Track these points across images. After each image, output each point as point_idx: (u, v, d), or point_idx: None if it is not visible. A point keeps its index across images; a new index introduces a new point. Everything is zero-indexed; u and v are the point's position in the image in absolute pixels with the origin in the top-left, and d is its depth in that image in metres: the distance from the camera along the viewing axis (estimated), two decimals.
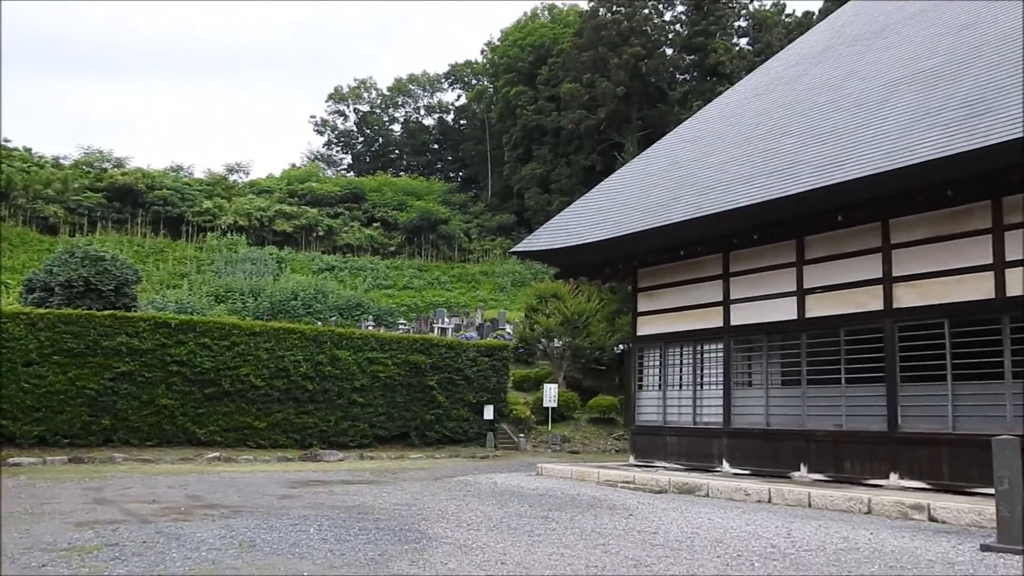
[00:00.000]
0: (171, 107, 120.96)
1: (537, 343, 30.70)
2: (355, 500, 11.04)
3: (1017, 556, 7.14)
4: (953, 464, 11.37)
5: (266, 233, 54.06)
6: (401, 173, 73.94)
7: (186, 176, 59.34)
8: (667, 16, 57.16)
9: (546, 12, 69.17)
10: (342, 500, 11.01)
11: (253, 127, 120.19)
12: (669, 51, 55.40)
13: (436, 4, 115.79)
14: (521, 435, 25.25)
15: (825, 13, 39.21)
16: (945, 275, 11.81)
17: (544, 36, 63.01)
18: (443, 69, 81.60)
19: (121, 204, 51.87)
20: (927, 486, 11.57)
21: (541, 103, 58.70)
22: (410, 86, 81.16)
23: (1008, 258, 11.11)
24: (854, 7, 19.54)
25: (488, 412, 24.48)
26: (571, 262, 17.48)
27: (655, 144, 20.55)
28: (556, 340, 29.34)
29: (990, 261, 11.29)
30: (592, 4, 55.09)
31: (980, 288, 11.37)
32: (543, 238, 17.64)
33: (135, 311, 22.35)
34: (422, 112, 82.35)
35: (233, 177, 62.97)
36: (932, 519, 9.64)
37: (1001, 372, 11.02)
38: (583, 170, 53.13)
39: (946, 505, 9.69)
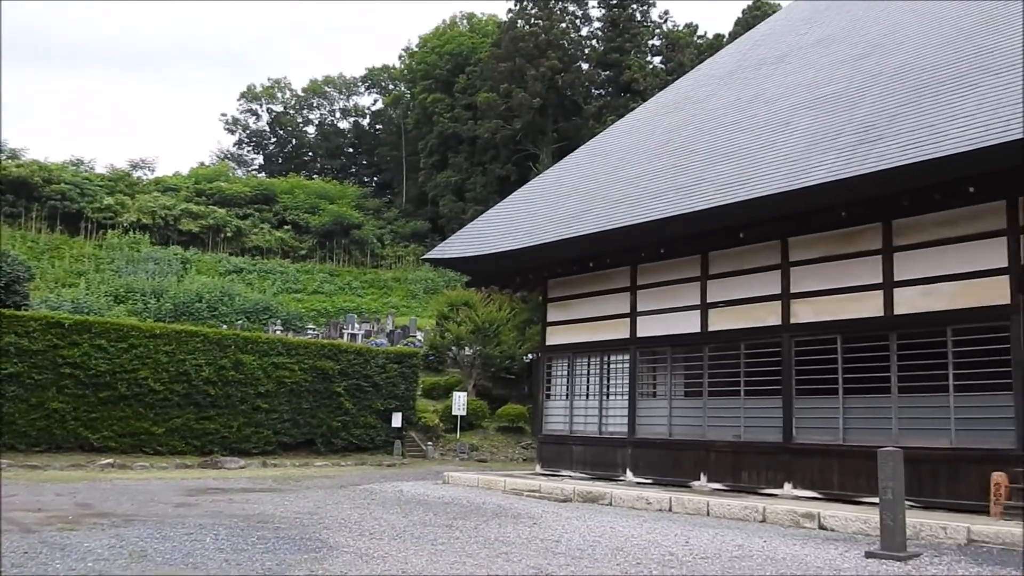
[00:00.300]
0: (73, 98, 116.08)
1: (448, 351, 30.62)
2: (255, 508, 10.78)
3: (898, 562, 7.49)
4: (842, 474, 11.86)
5: (171, 232, 52.34)
6: (314, 176, 72.72)
7: (87, 171, 56.88)
8: (584, 31, 58.05)
9: (465, 21, 69.32)
10: (241, 509, 10.74)
11: (160, 123, 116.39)
12: (585, 66, 56.22)
13: (353, 6, 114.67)
14: (429, 443, 25.13)
15: (735, 36, 40.53)
16: (839, 293, 12.33)
17: (462, 45, 63.10)
18: (360, 72, 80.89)
19: (15, 197, 49.37)
20: (818, 495, 12.03)
21: (458, 111, 58.71)
22: (326, 88, 80.00)
23: (896, 278, 11.69)
24: (760, 32, 20.27)
25: (396, 420, 24.28)
26: (483, 271, 17.55)
27: (568, 156, 20.83)
28: (467, 348, 29.33)
29: (880, 280, 11.85)
30: (510, 16, 55.50)
31: (870, 306, 11.92)
32: (456, 246, 17.65)
33: (26, 310, 21.31)
34: (337, 115, 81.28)
35: (137, 173, 60.78)
36: (822, 527, 10.02)
37: (888, 387, 11.57)
38: (498, 179, 53.35)
39: (835, 514, 10.09)
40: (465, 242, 17.49)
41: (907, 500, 9.46)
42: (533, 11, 54.72)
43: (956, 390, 10.88)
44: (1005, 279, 10.59)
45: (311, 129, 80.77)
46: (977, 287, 10.83)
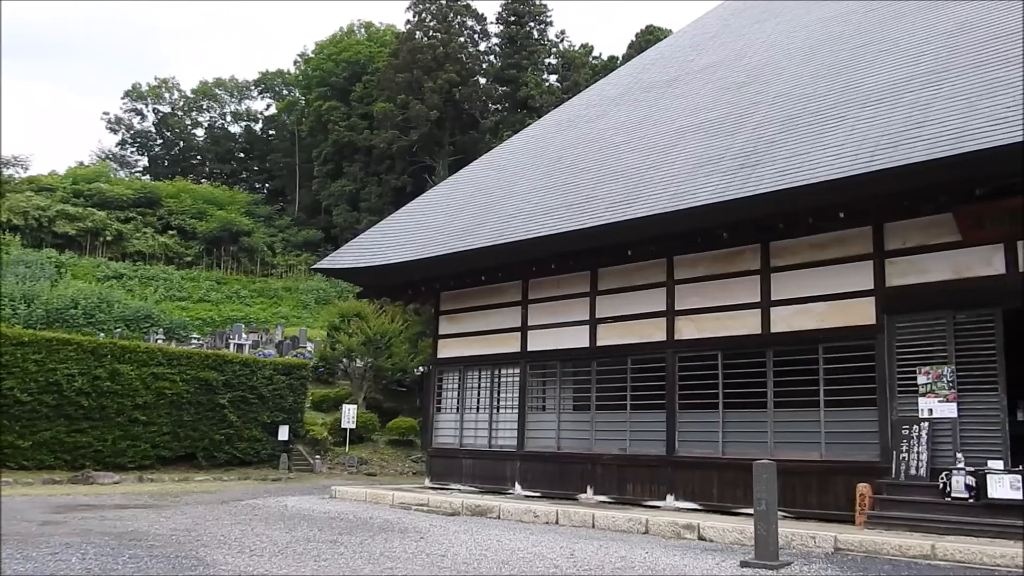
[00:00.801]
0: None
1: (338, 363, 30.13)
2: (128, 526, 10.31)
3: (770, 571, 7.80)
4: (722, 486, 12.28)
5: (45, 234, 49.60)
6: (203, 180, 70.41)
7: None
8: (482, 46, 58.47)
9: (363, 30, 68.73)
10: (113, 526, 10.24)
11: (36, 120, 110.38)
12: (483, 80, 56.60)
13: (246, 7, 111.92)
14: (317, 457, 24.63)
15: (628, 59, 41.65)
16: (720, 311, 12.80)
17: (360, 53, 62.51)
18: (253, 76, 78.76)
19: None
20: (699, 507, 12.41)
21: (354, 120, 58.05)
22: (216, 90, 77.68)
23: (773, 297, 12.23)
24: (651, 56, 20.90)
25: (283, 432, 23.69)
26: (375, 282, 17.37)
27: (463, 170, 20.91)
28: (358, 360, 28.95)
29: (758, 300, 12.37)
30: (409, 27, 55.39)
31: (749, 324, 12.42)
32: (348, 256, 17.42)
33: None
34: (228, 118, 79.00)
35: (9, 171, 57.42)
36: (701, 538, 10.33)
37: (764, 402, 12.07)
38: (394, 190, 52.97)
39: (713, 525, 10.43)
40: (358, 252, 17.29)
41: (781, 510, 9.87)
42: (432, 23, 54.79)
43: (826, 405, 11.46)
44: (871, 300, 11.23)
45: (200, 132, 78.22)
46: (846, 307, 11.44)
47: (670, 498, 12.86)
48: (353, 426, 25.57)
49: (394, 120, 52.62)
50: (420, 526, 11.17)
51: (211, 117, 78.55)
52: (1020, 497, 9.17)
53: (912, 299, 10.91)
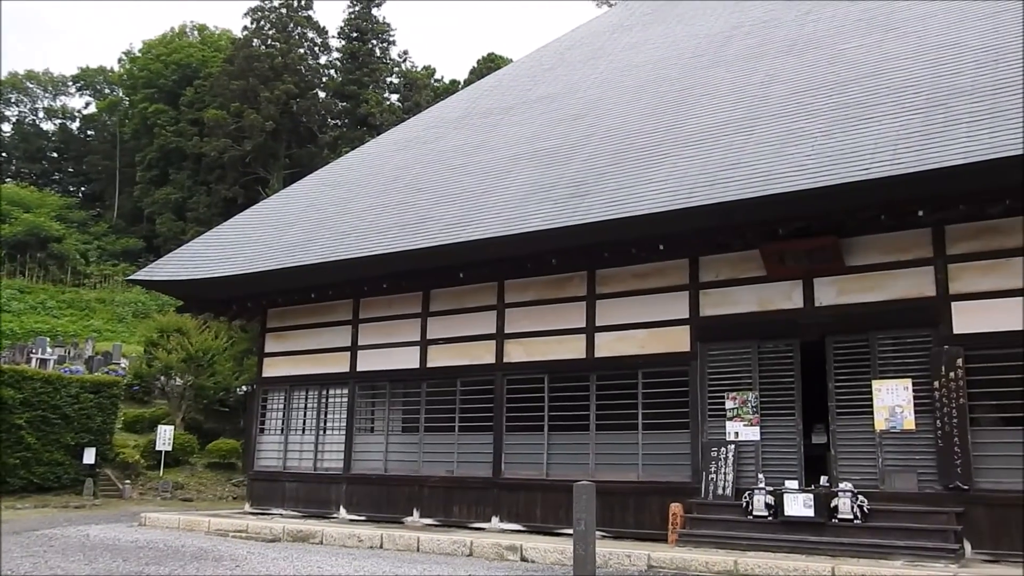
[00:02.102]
0: None
1: (156, 381, 28.41)
2: None
3: None
4: (545, 507, 12.54)
5: None
6: (8, 180, 64.81)
7: None
8: (323, 60, 57.46)
9: (196, 32, 65.83)
10: None
11: None
12: (323, 94, 55.59)
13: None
14: (127, 482, 23.05)
15: (468, 83, 42.24)
16: (548, 335, 13.14)
17: (192, 56, 59.78)
18: (71, 71, 73.68)
19: None
20: (523, 528, 12.60)
21: (183, 125, 55.34)
22: (28, 83, 71.86)
23: (598, 323, 12.69)
24: (490, 83, 21.27)
25: (89, 456, 22.00)
26: (199, 295, 16.57)
27: (297, 183, 20.43)
28: (177, 378, 27.42)
29: (584, 325, 12.79)
30: (246, 33, 53.62)
31: (575, 348, 12.82)
32: (170, 267, 16.56)
33: None
34: (41, 115, 73.21)
35: None
36: (524, 559, 10.50)
37: (587, 424, 12.47)
38: (224, 201, 50.83)
39: (536, 546, 10.62)
40: (181, 264, 16.47)
41: (600, 530, 10.23)
42: (271, 32, 53.30)
43: (644, 428, 12.00)
44: (687, 328, 11.89)
45: (7, 127, 72.03)
46: (664, 335, 12.05)
47: (495, 520, 12.99)
48: (169, 448, 24.14)
49: (227, 128, 50.62)
50: (237, 554, 10.70)
51: (20, 112, 72.50)
52: (812, 514, 9.94)
53: (723, 328, 11.64)
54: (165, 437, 24.06)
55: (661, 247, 11.44)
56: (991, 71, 10.85)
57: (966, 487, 9.59)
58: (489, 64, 49.57)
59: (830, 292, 10.96)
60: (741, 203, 10.39)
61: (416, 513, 13.88)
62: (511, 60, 44.16)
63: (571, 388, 12.75)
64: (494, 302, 13.79)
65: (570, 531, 9.83)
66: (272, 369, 16.72)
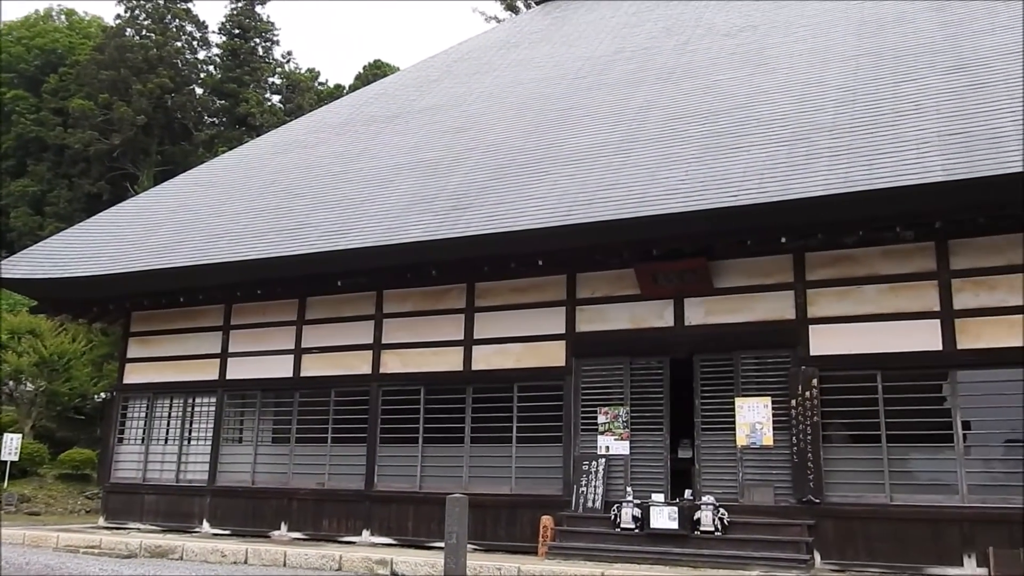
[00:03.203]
0: None
1: (4, 386, 26.58)
2: None
3: None
4: (417, 521, 12.45)
5: None
6: None
7: None
8: (201, 55, 55.37)
9: (63, 16, 62.30)
10: None
11: None
12: (200, 91, 53.55)
13: None
14: None
15: (354, 89, 41.74)
16: (425, 346, 13.09)
17: (58, 42, 56.42)
18: None
19: None
20: (394, 542, 12.47)
21: (45, 114, 52.09)
22: None
23: (476, 336, 12.75)
24: (376, 90, 21.10)
25: None
26: (55, 295, 15.59)
27: (168, 182, 19.67)
28: (28, 383, 25.73)
29: (462, 337, 12.82)
30: (119, 22, 51.11)
31: (452, 361, 12.82)
32: (24, 265, 15.55)
33: None
34: None
35: None
36: (394, 573, 10.38)
37: (462, 437, 12.49)
38: (88, 196, 48.13)
39: (407, 559, 10.53)
40: (37, 261, 15.50)
41: (472, 543, 10.25)
42: (146, 22, 51.03)
43: (518, 441, 12.12)
44: (562, 344, 12.10)
45: None
46: (540, 349, 12.22)
47: (366, 533, 12.80)
48: (16, 458, 22.54)
49: (94, 120, 48.05)
50: (88, 572, 10.12)
51: None
52: (676, 526, 10.28)
53: (597, 344, 11.91)
54: (11, 446, 22.46)
55: (540, 263, 11.61)
56: (849, 109, 11.59)
57: (817, 501, 10.14)
58: (375, 71, 49.12)
59: (699, 312, 11.40)
60: (617, 223, 10.69)
61: (284, 527, 13.51)
62: (398, 68, 43.97)
63: (447, 400, 12.74)
64: (372, 312, 13.63)
65: (442, 544, 9.79)
66: (134, 375, 15.93)
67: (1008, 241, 9.86)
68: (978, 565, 9.31)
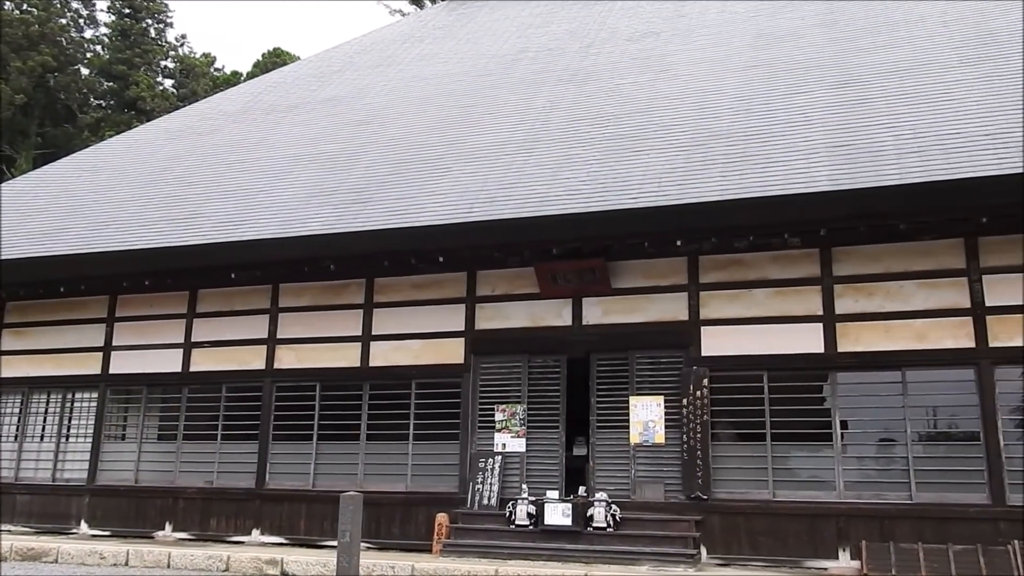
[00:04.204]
0: None
1: None
2: None
3: None
4: (310, 519, 12.20)
5: None
6: None
7: None
8: (88, 34, 52.78)
9: None
10: None
11: None
12: (86, 71, 51.07)
13: None
14: None
15: (252, 77, 40.62)
16: (322, 342, 12.84)
17: None
18: None
19: None
20: (285, 541, 12.19)
21: None
22: None
23: (374, 332, 12.58)
24: (275, 79, 20.59)
25: None
26: None
27: (49, 165, 18.66)
28: None
29: (360, 333, 12.64)
30: None
31: (349, 356, 12.62)
32: None
33: None
34: None
35: None
36: (285, 573, 10.17)
37: (358, 434, 12.33)
38: None
39: (298, 559, 10.31)
40: None
41: (366, 542, 10.15)
42: None
43: (415, 438, 12.03)
44: (461, 341, 12.07)
45: None
46: (439, 346, 12.16)
47: (256, 533, 12.47)
48: None
49: None
50: None
51: None
52: (570, 523, 10.42)
53: (496, 342, 11.94)
54: None
55: (440, 259, 11.56)
56: (744, 118, 12.02)
57: (705, 497, 10.46)
58: (274, 59, 47.89)
59: (596, 312, 11.57)
60: (518, 222, 10.77)
61: (169, 527, 13.02)
62: (298, 58, 43.07)
63: (343, 397, 12.54)
64: (267, 306, 13.28)
65: (335, 543, 9.65)
66: (9, 369, 15.01)
67: (886, 250, 10.40)
68: (851, 558, 9.79)
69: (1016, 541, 9.15)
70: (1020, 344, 9.77)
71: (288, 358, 13.04)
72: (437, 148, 13.57)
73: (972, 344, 9.96)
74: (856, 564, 9.71)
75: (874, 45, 13.43)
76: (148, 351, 13.94)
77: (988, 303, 9.97)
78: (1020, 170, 9.05)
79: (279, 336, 13.15)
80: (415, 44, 20.04)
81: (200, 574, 10.19)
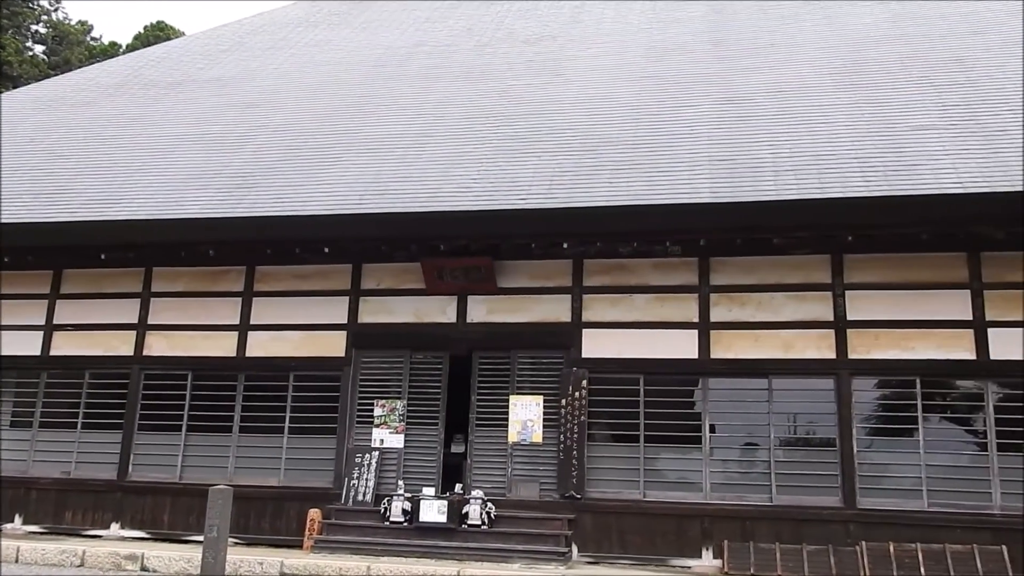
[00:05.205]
0: None
1: None
2: None
3: None
4: (175, 513, 11.74)
5: None
6: None
7: None
8: None
9: None
10: None
11: None
12: None
13: None
14: None
15: (133, 50, 38.73)
16: (197, 329, 12.39)
17: None
18: None
19: None
20: (147, 535, 11.69)
21: None
22: None
23: (253, 321, 12.23)
24: (158, 53, 19.69)
25: None
26: None
27: None
28: None
29: (237, 322, 12.25)
30: None
31: (225, 346, 12.23)
32: None
33: None
34: None
35: None
36: (145, 568, 9.76)
37: (231, 426, 11.96)
38: None
39: (159, 554, 9.92)
40: None
41: (234, 537, 9.85)
42: None
43: (291, 432, 11.77)
44: (343, 334, 11.88)
45: None
46: (320, 338, 11.94)
47: (116, 527, 11.90)
48: None
49: None
50: None
51: None
52: (445, 520, 10.41)
53: (378, 336, 11.82)
54: None
55: (326, 250, 11.35)
56: (634, 127, 12.31)
57: (579, 496, 10.66)
58: (158, 33, 45.81)
59: (481, 310, 11.61)
60: (408, 216, 10.71)
61: (19, 520, 12.26)
62: (183, 33, 41.38)
63: (217, 387, 12.12)
64: (139, 289, 12.69)
65: (201, 539, 9.33)
66: None
67: (760, 262, 10.87)
68: (714, 557, 10.19)
69: (864, 542, 9.75)
70: (875, 356, 10.40)
71: (159, 345, 12.50)
72: (329, 137, 13.30)
73: (833, 355, 10.54)
74: (718, 563, 10.11)
75: (758, 65, 14.00)
76: (3, 332, 13.07)
77: (849, 317, 10.58)
78: (884, 192, 9.65)
79: (150, 322, 12.60)
80: (309, 29, 19.57)
81: (52, 570, 9.63)
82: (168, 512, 11.79)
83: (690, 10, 17.02)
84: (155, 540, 11.48)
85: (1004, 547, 9.44)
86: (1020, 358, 10.03)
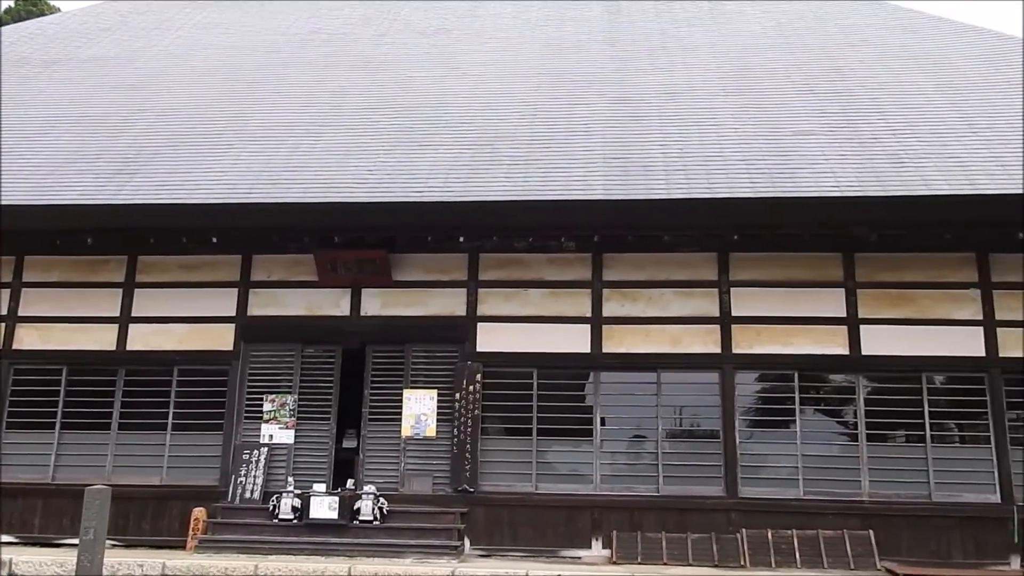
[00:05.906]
0: None
1: None
2: None
3: None
4: (47, 516, 11.15)
5: None
6: None
7: None
8: None
9: None
10: None
11: None
12: None
13: None
14: None
15: (3, 24, 36.42)
16: (73, 321, 11.78)
17: None
18: None
19: None
20: (16, 540, 11.02)
21: None
22: None
23: (134, 313, 11.72)
24: (31, 28, 18.53)
25: None
26: None
27: None
28: None
29: (117, 314, 11.73)
30: None
31: (103, 339, 11.69)
32: None
33: None
34: None
35: None
36: (13, 574, 9.21)
37: (109, 423, 11.45)
38: None
39: (30, 559, 9.36)
40: None
41: (112, 539, 9.45)
42: None
43: (174, 428, 11.39)
44: (232, 327, 11.54)
45: None
46: (207, 331, 11.55)
47: None
48: None
49: None
50: None
51: None
52: (336, 516, 10.26)
53: (268, 330, 11.53)
54: None
55: (214, 240, 10.96)
56: (530, 123, 12.42)
57: (472, 490, 10.69)
58: (30, 7, 43.11)
59: (375, 303, 11.48)
60: (301, 207, 10.48)
61: None
62: (59, 9, 39.13)
63: (94, 383, 11.57)
64: (9, 279, 11.97)
65: (76, 542, 8.90)
66: None
67: (650, 259, 11.18)
68: (603, 547, 10.41)
69: (744, 530, 10.16)
70: (757, 351, 10.85)
71: (30, 338, 11.83)
72: (218, 123, 12.86)
73: (718, 350, 10.94)
74: (607, 552, 10.34)
75: (651, 66, 14.34)
76: None
77: (734, 313, 10.99)
78: (768, 194, 10.06)
79: (20, 313, 11.90)
80: (197, 10, 18.81)
81: None
82: (40, 515, 11.17)
83: (586, 9, 17.27)
84: (25, 545, 10.86)
85: (871, 531, 10.03)
86: (888, 353, 10.66)
